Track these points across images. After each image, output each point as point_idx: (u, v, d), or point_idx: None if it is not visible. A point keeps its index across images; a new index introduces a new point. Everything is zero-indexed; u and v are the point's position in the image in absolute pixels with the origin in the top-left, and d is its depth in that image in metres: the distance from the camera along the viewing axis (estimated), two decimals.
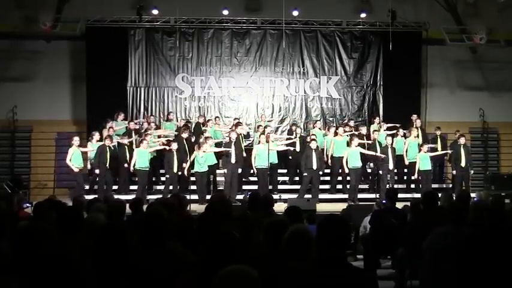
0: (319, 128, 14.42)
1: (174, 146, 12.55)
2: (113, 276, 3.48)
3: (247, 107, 16.07)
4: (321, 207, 11.12)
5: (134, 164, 12.42)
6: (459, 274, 3.68)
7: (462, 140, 13.03)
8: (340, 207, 11.24)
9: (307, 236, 3.24)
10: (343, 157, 12.74)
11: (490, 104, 16.42)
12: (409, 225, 6.54)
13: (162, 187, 13.18)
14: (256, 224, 4.23)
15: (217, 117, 15.18)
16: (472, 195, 8.08)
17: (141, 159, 12.42)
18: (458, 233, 4.20)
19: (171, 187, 12.57)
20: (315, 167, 12.43)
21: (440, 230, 4.43)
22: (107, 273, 3.46)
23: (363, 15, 15.93)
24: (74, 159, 12.25)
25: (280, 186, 13.63)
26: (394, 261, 6.76)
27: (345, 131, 13.58)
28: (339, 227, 2.94)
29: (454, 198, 7.50)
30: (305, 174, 12.64)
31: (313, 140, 12.79)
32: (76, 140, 12.47)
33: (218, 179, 13.44)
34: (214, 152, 12.95)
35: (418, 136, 13.56)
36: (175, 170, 12.46)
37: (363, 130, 13.97)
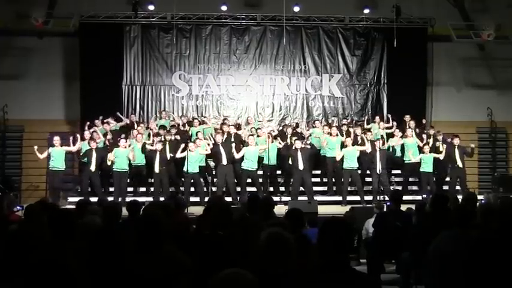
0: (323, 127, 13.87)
1: (159, 146, 12.03)
2: (108, 281, 3.36)
3: (247, 106, 15.75)
4: (323, 210, 10.76)
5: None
6: (466, 279, 3.55)
7: (456, 141, 12.55)
8: (342, 209, 10.91)
9: (285, 240, 3.10)
10: (335, 157, 12.28)
11: (498, 102, 16.09)
12: (414, 228, 6.48)
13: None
14: (255, 227, 4.10)
15: (205, 117, 14.82)
16: (480, 197, 7.99)
17: (119, 160, 11.93)
18: (466, 237, 4.11)
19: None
20: (301, 167, 11.91)
21: (447, 234, 4.33)
22: (102, 279, 3.33)
23: (366, 11, 15.69)
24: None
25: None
26: (398, 266, 6.65)
27: (339, 131, 13.09)
28: (342, 230, 2.88)
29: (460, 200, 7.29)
30: (294, 175, 12.13)
31: (297, 139, 12.23)
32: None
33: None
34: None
35: (412, 136, 13.10)
36: (156, 170, 11.92)
37: (357, 130, 13.44)
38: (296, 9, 15.07)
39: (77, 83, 15.03)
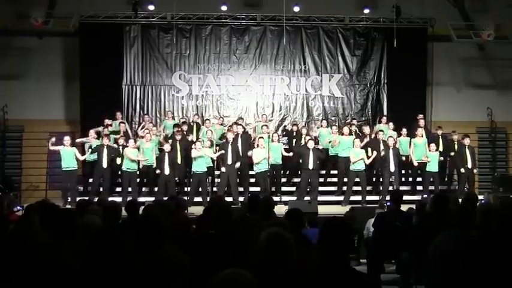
0: (327, 127, 13.93)
1: (167, 147, 11.99)
2: (108, 281, 3.38)
3: (247, 106, 15.70)
4: (323, 210, 10.78)
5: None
6: (466, 279, 3.55)
7: (467, 141, 12.63)
8: (342, 209, 10.93)
9: (285, 240, 3.10)
10: (348, 157, 12.31)
11: (498, 102, 16.06)
12: (414, 228, 6.50)
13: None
14: (255, 227, 4.09)
15: (221, 117, 14.94)
16: (480, 197, 7.92)
17: (128, 161, 11.98)
18: (466, 237, 4.11)
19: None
20: (311, 166, 11.93)
21: (447, 234, 4.34)
22: (102, 279, 3.36)
23: (366, 11, 15.63)
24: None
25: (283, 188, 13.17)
26: (398, 266, 6.66)
27: (350, 131, 13.11)
28: (342, 230, 2.90)
29: (460, 200, 7.28)
30: (302, 174, 12.20)
31: (311, 139, 12.36)
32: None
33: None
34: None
35: (422, 136, 13.16)
36: (166, 172, 11.87)
37: (366, 130, 13.51)
38: (296, 9, 15.02)
39: (77, 83, 14.97)
